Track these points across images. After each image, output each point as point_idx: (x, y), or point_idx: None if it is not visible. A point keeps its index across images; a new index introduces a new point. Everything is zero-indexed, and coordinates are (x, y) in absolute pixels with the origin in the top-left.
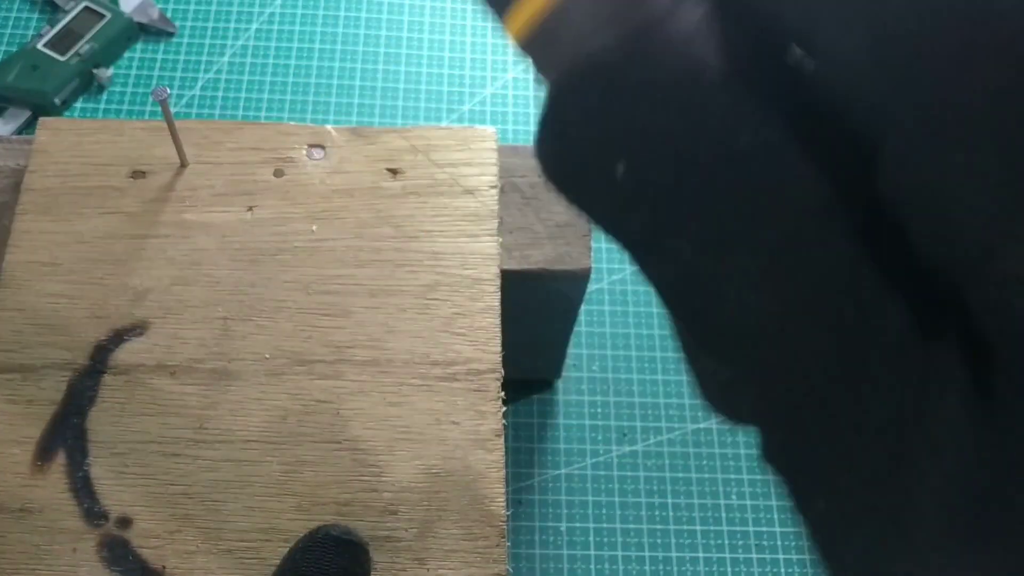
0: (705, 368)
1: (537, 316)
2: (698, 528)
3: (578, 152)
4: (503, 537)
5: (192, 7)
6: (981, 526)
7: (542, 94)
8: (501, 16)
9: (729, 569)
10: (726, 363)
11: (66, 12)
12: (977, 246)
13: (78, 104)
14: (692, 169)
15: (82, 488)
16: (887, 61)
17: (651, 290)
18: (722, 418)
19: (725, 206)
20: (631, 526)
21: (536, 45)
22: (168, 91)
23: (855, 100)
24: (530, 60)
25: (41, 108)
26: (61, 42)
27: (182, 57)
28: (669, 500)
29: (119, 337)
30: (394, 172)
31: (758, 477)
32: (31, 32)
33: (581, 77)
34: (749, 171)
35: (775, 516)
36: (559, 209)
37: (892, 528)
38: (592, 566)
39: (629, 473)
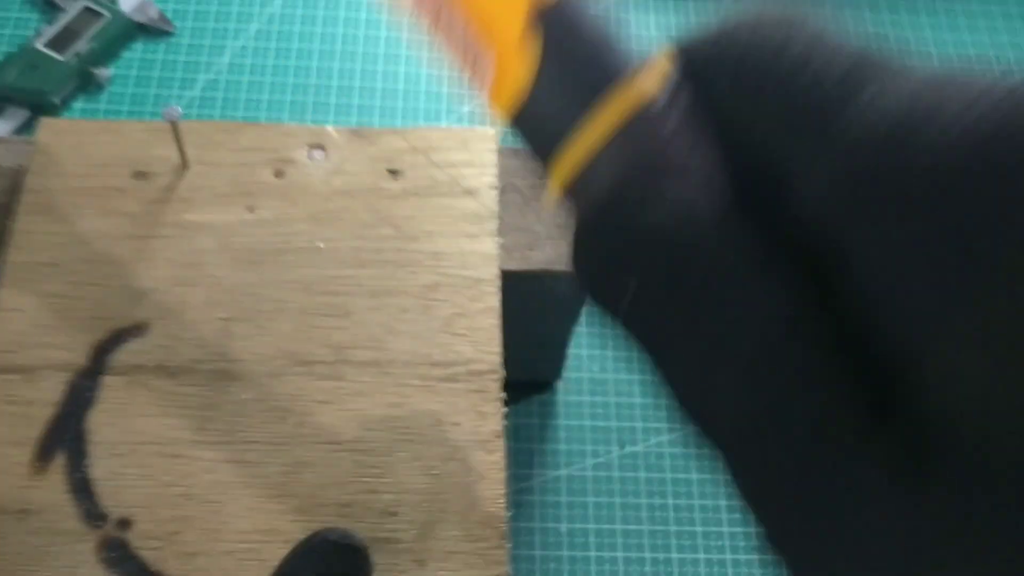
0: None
1: (537, 317)
2: (699, 529)
3: (599, 268)
4: (504, 538)
5: (192, 7)
6: None
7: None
8: (546, 172)
9: (730, 570)
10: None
11: (65, 12)
12: (915, 342)
13: (77, 104)
14: (682, 291)
15: (82, 489)
16: (852, 192)
17: None
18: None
19: (708, 325)
20: (632, 527)
21: (572, 193)
22: (180, 111)
23: (822, 221)
24: (569, 204)
25: (40, 107)
26: (60, 41)
27: (182, 57)
28: (670, 501)
29: (119, 338)
30: (394, 173)
31: None
32: (30, 32)
33: (600, 214)
34: (726, 294)
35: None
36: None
37: None
38: (593, 567)
39: (630, 474)
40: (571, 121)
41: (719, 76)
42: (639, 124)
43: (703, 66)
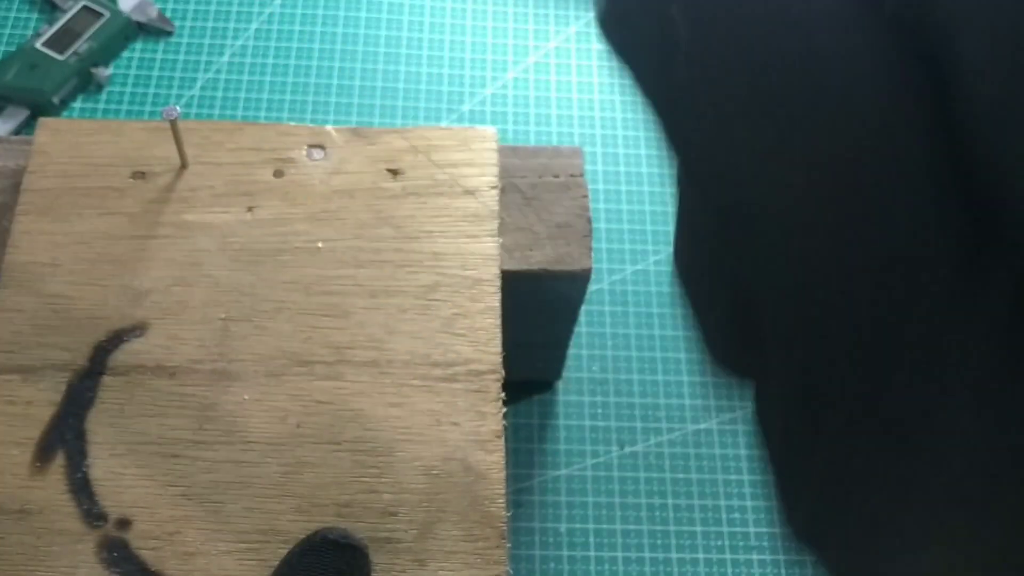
0: (714, 321)
1: (537, 317)
2: (698, 529)
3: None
4: (503, 538)
5: (191, 6)
6: (994, 509)
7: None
8: None
9: (730, 570)
10: (749, 275)
11: (64, 11)
12: None
13: (77, 103)
14: (748, 33)
15: (81, 489)
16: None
17: (651, 291)
18: (725, 372)
19: (783, 91)
20: (631, 527)
21: None
22: (179, 111)
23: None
24: None
25: (40, 107)
26: (60, 41)
27: (181, 57)
28: (669, 501)
29: (118, 338)
30: (394, 172)
31: (758, 478)
32: (30, 31)
33: None
34: (818, 54)
35: (775, 517)
36: (559, 209)
37: (885, 518)
38: (592, 567)
39: (629, 474)
40: None
41: None
42: None
43: None
